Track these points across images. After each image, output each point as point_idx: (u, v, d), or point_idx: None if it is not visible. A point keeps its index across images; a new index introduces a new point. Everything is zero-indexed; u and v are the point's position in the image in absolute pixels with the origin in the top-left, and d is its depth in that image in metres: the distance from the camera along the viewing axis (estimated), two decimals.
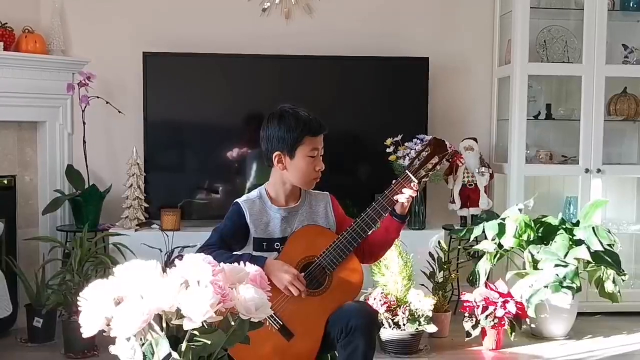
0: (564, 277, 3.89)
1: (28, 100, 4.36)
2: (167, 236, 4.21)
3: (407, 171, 2.55)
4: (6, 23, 4.27)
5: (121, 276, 1.69)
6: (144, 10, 4.76)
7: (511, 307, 3.89)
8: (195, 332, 1.63)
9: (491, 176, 4.77)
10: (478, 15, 5.00)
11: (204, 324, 1.62)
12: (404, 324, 3.80)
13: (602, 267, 4.02)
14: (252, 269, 1.81)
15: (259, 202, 2.62)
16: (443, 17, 4.98)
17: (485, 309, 3.90)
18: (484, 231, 4.18)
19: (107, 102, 4.54)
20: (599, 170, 4.64)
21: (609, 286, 4.04)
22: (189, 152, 4.77)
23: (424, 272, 4.17)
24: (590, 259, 3.95)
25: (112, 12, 4.74)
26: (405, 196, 2.53)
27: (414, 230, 4.53)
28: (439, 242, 4.37)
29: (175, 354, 1.63)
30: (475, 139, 4.76)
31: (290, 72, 4.69)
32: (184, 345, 1.64)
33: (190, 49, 4.62)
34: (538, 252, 4.03)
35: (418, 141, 4.43)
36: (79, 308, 1.67)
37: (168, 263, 3.82)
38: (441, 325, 4.05)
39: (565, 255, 3.96)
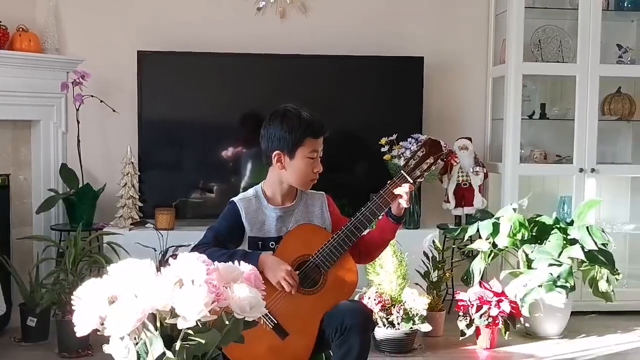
0: (558, 277, 3.90)
1: (22, 99, 4.35)
2: (162, 235, 4.20)
3: (402, 171, 2.56)
4: (0, 21, 4.25)
5: (115, 275, 1.68)
6: (138, 9, 4.75)
7: (505, 307, 3.89)
8: (190, 331, 1.63)
9: (485, 175, 4.78)
10: (473, 14, 5.01)
11: (198, 323, 1.62)
12: (398, 323, 3.80)
13: (596, 266, 4.03)
14: (246, 268, 1.81)
15: (255, 201, 2.62)
16: (438, 16, 4.98)
17: (479, 308, 3.90)
18: (478, 230, 4.18)
19: (101, 101, 4.54)
20: (593, 170, 4.65)
21: (602, 285, 4.05)
22: (184, 151, 4.77)
23: (418, 272, 4.17)
24: (584, 259, 3.96)
25: (106, 11, 4.73)
26: (400, 196, 2.53)
27: (409, 230, 4.53)
28: (434, 242, 4.38)
29: (169, 353, 1.63)
30: (469, 139, 4.77)
31: (284, 72, 4.69)
32: (178, 345, 1.64)
33: (185, 48, 4.62)
34: (532, 252, 4.04)
35: (413, 140, 4.43)
36: (73, 307, 1.66)
37: (162, 262, 3.82)
38: (435, 325, 4.06)
39: (560, 255, 3.97)
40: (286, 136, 2.54)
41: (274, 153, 2.58)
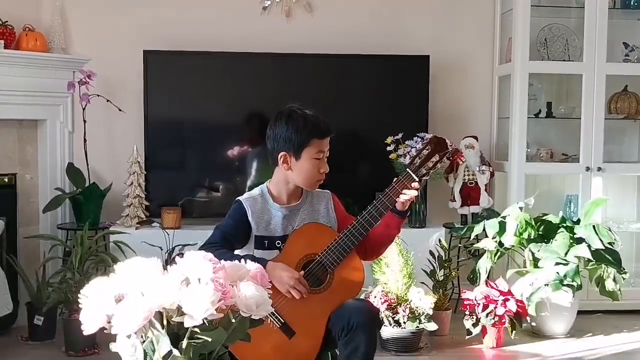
0: (565, 276, 3.89)
1: (29, 98, 4.36)
2: (168, 234, 4.20)
3: (408, 169, 2.55)
4: (7, 21, 4.27)
5: (122, 274, 1.69)
6: (144, 8, 4.76)
7: (512, 306, 3.89)
8: (196, 330, 1.63)
9: (492, 174, 4.77)
10: (479, 13, 5.00)
11: (205, 321, 1.62)
12: (404, 322, 3.80)
13: (603, 265, 4.02)
14: (252, 266, 1.82)
15: (260, 200, 2.62)
16: (444, 15, 4.98)
17: (485, 307, 3.90)
18: (484, 229, 4.18)
19: (107, 101, 4.55)
20: (599, 169, 4.64)
21: (609, 284, 4.04)
22: (190, 150, 4.77)
23: (424, 271, 4.17)
24: (590, 257, 3.95)
25: (112, 11, 4.74)
26: (406, 195, 2.53)
27: (415, 229, 4.52)
28: (440, 241, 4.38)
29: (176, 351, 1.63)
30: (475, 137, 4.76)
31: (290, 71, 4.69)
32: (184, 343, 1.64)
33: (191, 47, 4.63)
34: (539, 251, 4.03)
35: (419, 139, 4.43)
36: (80, 306, 1.67)
37: (169, 261, 3.82)
38: (442, 324, 4.06)
39: (566, 254, 3.96)
40: (292, 137, 2.54)
41: (280, 154, 2.57)
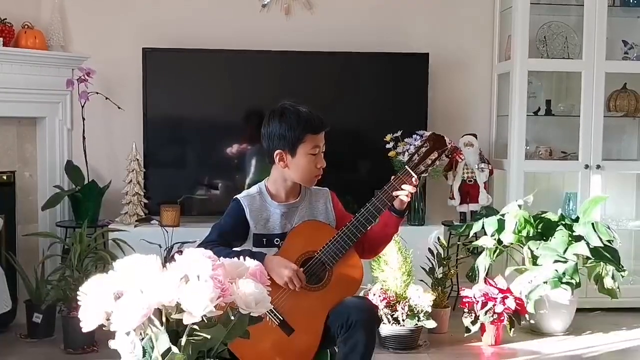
0: (563, 273, 3.90)
1: (27, 96, 4.35)
2: (167, 232, 4.20)
3: (406, 166, 2.55)
4: (5, 19, 4.26)
5: (121, 271, 1.69)
6: (143, 5, 4.76)
7: (510, 303, 3.89)
8: (195, 327, 1.63)
9: (491, 172, 4.77)
10: (478, 11, 5.00)
11: (204, 318, 1.62)
12: (403, 320, 3.80)
13: (602, 263, 4.02)
14: (251, 263, 1.82)
15: (258, 198, 2.62)
16: (443, 12, 4.97)
17: (484, 304, 3.90)
18: (483, 227, 4.18)
19: (106, 98, 4.54)
20: (598, 167, 4.64)
21: (608, 282, 4.04)
22: (189, 148, 4.77)
23: (423, 268, 4.17)
24: (589, 255, 3.96)
25: (111, 8, 4.74)
26: (404, 192, 2.53)
27: (414, 226, 4.53)
28: (439, 238, 4.37)
29: (175, 349, 1.63)
30: (475, 135, 4.76)
31: (289, 68, 4.69)
32: (183, 340, 1.64)
33: (190, 45, 4.63)
34: (537, 248, 4.03)
35: (418, 137, 4.43)
36: (79, 303, 1.67)
37: (167, 259, 3.82)
38: (440, 321, 4.06)
39: (565, 251, 3.97)
40: (286, 134, 2.53)
41: (276, 152, 2.57)
